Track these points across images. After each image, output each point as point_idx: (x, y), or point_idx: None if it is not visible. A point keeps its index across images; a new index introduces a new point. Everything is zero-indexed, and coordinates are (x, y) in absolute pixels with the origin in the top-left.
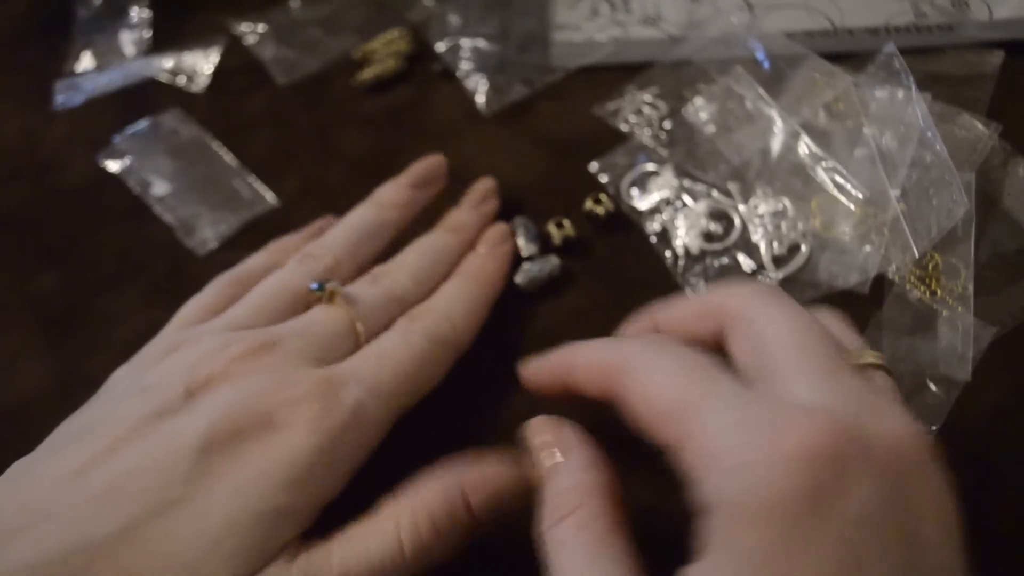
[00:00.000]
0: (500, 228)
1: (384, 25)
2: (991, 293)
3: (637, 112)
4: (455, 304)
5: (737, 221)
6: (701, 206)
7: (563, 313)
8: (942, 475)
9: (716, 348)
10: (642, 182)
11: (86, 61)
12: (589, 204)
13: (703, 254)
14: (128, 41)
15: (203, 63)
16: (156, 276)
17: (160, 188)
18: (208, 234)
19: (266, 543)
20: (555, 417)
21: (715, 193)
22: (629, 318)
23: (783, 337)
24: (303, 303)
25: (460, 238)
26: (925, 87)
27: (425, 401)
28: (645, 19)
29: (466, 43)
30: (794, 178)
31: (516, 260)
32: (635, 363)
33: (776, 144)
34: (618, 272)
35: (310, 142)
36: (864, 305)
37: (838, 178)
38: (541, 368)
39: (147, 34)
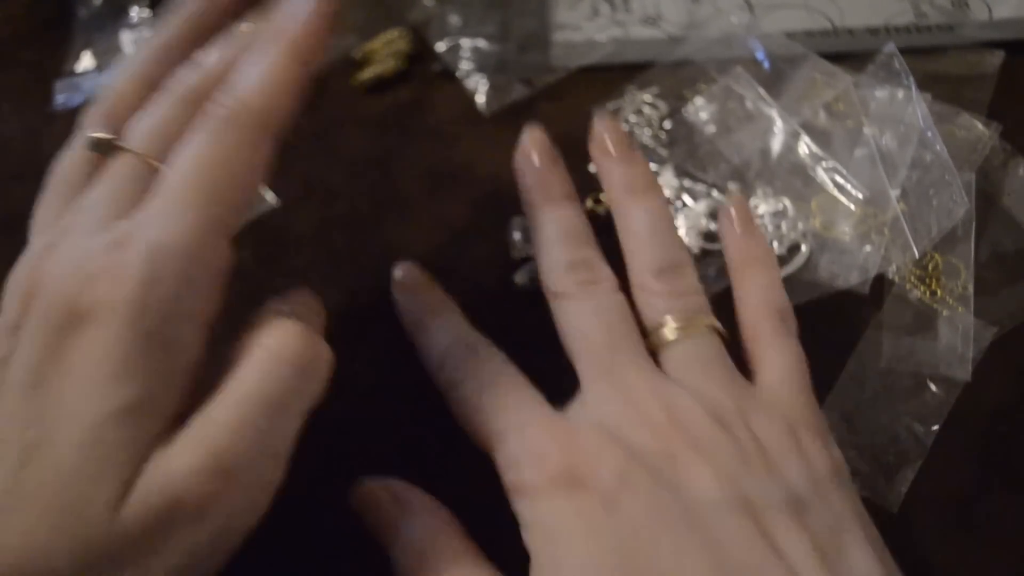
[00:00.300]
0: None
1: (384, 25)
2: (991, 293)
3: (637, 112)
4: (251, 69)
5: None
6: (701, 206)
7: None
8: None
9: None
10: None
11: (86, 61)
12: (590, 203)
13: (703, 253)
14: (128, 41)
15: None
16: None
17: None
18: None
19: (132, 442)
20: (380, 478)
21: (715, 193)
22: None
23: (574, 335)
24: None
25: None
26: (925, 87)
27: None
28: (645, 19)
29: (466, 43)
30: (794, 178)
31: (517, 260)
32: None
33: (776, 144)
34: (619, 271)
35: (310, 142)
36: (864, 305)
37: (838, 178)
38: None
39: (147, 33)
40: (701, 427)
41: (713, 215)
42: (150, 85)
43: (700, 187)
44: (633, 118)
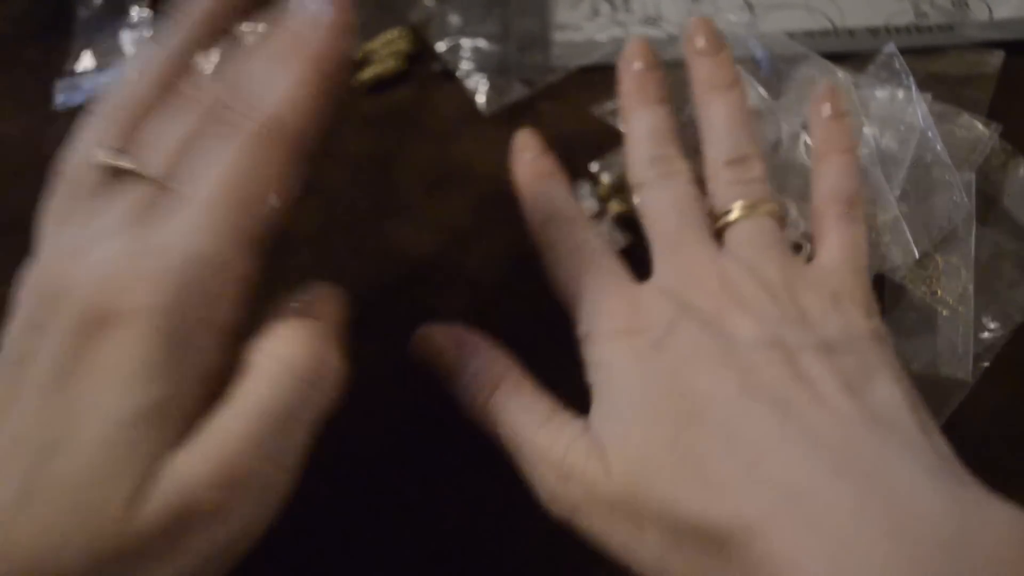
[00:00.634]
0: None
1: (384, 25)
2: (992, 293)
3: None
4: (271, 81)
5: None
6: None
7: None
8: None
9: None
10: None
11: (86, 61)
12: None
13: None
14: (128, 41)
15: (203, 63)
16: None
17: None
18: None
19: (152, 442)
20: (439, 323)
21: None
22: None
23: (651, 217)
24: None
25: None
26: (925, 87)
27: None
28: (645, 19)
29: (466, 43)
30: (795, 178)
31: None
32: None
33: (776, 144)
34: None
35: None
36: None
37: None
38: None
39: (147, 33)
40: (748, 291)
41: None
42: (161, 89)
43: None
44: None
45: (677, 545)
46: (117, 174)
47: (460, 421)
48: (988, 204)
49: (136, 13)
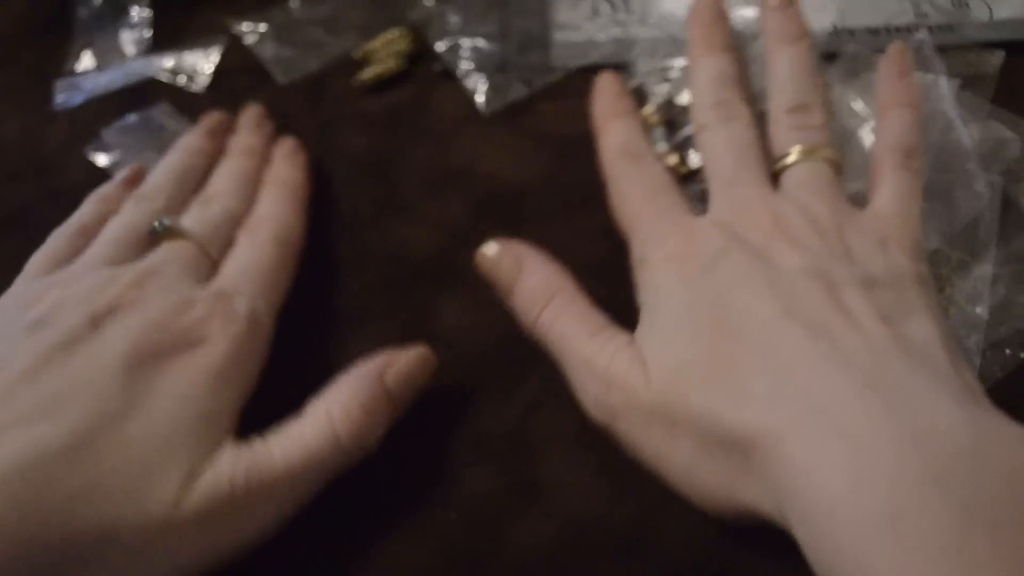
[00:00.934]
0: (288, 141)
1: (384, 25)
2: (1004, 295)
3: (664, 81)
4: (280, 208)
5: None
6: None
7: None
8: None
9: None
10: (690, 143)
11: (86, 61)
12: (674, 161)
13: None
14: (128, 41)
15: (203, 63)
16: None
17: None
18: None
19: (207, 440)
20: (499, 240)
21: None
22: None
23: (710, 158)
24: (147, 242)
25: (256, 158)
26: None
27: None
28: (645, 19)
29: (466, 43)
30: None
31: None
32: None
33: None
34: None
35: (310, 142)
36: None
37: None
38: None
39: (147, 33)
40: (798, 227)
41: None
42: (183, 199)
43: None
44: (664, 86)
45: (706, 452)
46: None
47: (460, 420)
48: (1004, 206)
49: (136, 13)
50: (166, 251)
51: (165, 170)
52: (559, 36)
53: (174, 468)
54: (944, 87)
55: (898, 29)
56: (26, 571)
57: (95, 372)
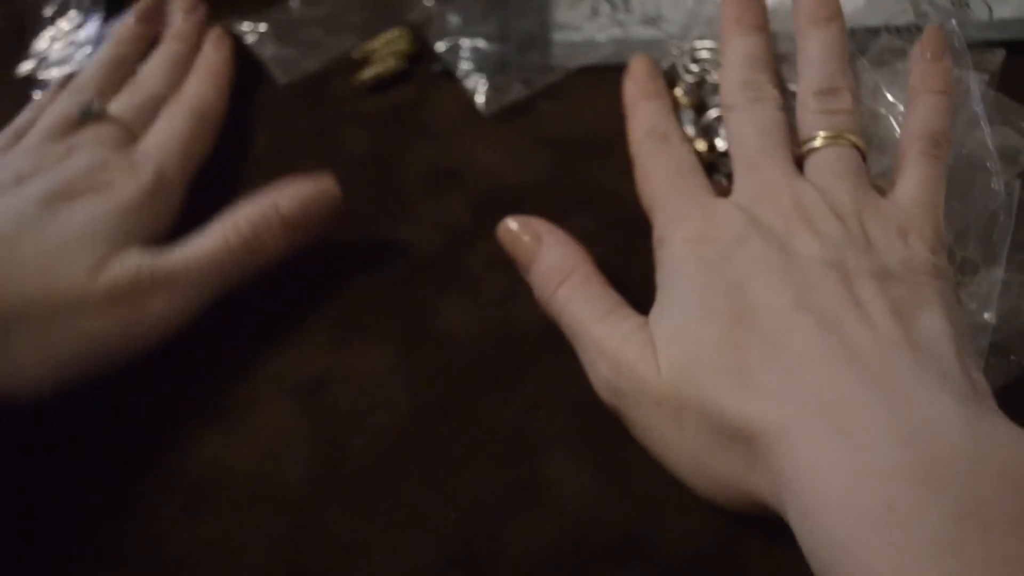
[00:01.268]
0: (216, 30)
1: (384, 25)
2: (1014, 302)
3: (694, 61)
4: (201, 86)
5: None
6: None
7: None
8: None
9: None
10: (718, 124)
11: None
12: (702, 146)
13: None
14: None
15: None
16: None
17: None
18: None
19: (115, 242)
20: (521, 215)
21: None
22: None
23: (735, 139)
24: (77, 128)
25: (186, 43)
26: None
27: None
28: (645, 19)
29: (466, 43)
30: None
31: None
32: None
33: None
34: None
35: (310, 142)
36: None
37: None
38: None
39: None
40: (819, 213)
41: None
42: (123, 70)
43: None
44: (694, 66)
45: (712, 441)
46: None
47: (461, 420)
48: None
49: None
50: (91, 132)
51: (96, 62)
52: (559, 36)
53: (85, 257)
54: (972, 81)
55: (898, 29)
56: None
57: (17, 202)
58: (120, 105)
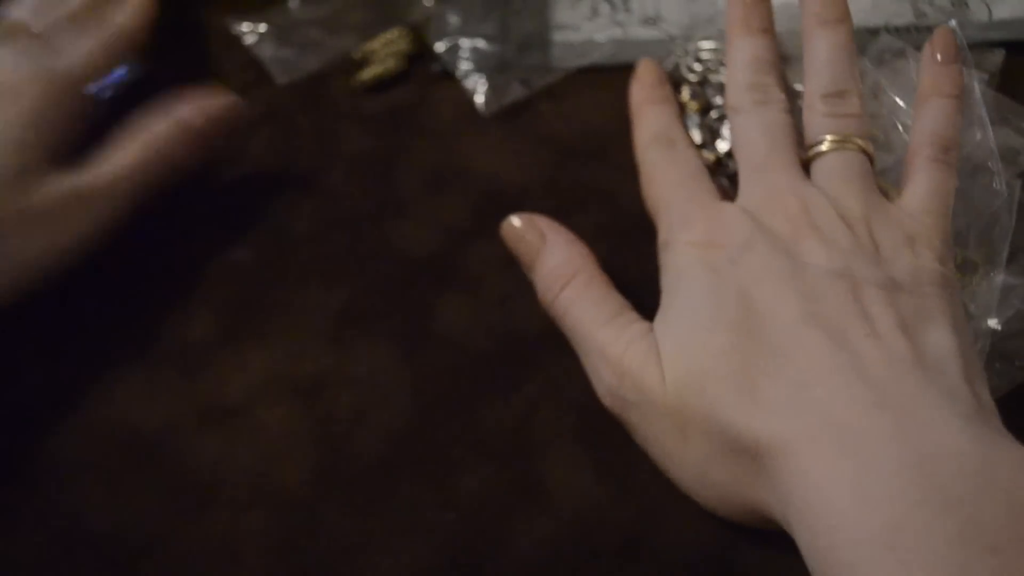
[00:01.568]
0: None
1: (384, 25)
2: (1018, 307)
3: (697, 60)
4: (123, 11)
5: None
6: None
7: None
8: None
9: None
10: (720, 125)
11: None
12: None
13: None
14: None
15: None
16: (156, 276)
17: None
18: None
19: (25, 155)
20: (526, 213)
21: None
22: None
23: (741, 142)
24: None
25: None
26: None
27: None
28: (645, 19)
29: (465, 43)
30: None
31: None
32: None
33: None
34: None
35: (309, 142)
36: None
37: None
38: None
39: None
40: (826, 219)
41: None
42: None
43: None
44: (698, 66)
45: (716, 455)
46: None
47: (461, 420)
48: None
49: None
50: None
51: None
52: (559, 36)
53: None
54: (973, 81)
55: (897, 29)
56: None
57: None
58: (36, 16)
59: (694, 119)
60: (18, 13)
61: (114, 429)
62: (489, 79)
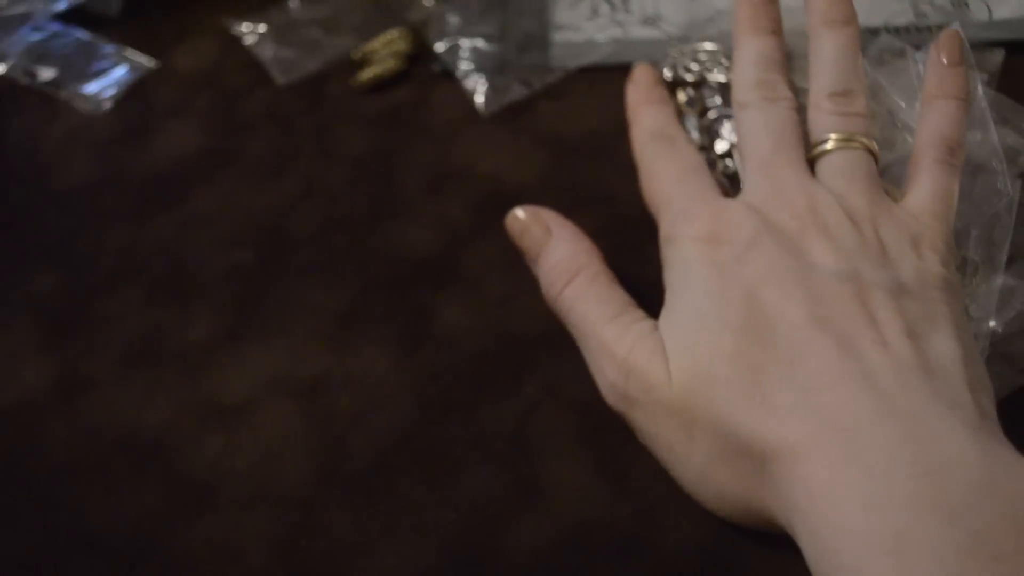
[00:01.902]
0: None
1: (384, 25)
2: (1020, 308)
3: (695, 60)
4: None
5: None
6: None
7: None
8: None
9: None
10: (717, 126)
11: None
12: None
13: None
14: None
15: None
16: (156, 276)
17: None
18: None
19: None
20: (531, 206)
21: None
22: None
23: (747, 138)
24: None
25: None
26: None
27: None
28: (645, 19)
29: (465, 43)
30: None
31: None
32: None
33: None
34: None
35: (310, 142)
36: None
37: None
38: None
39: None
40: (833, 217)
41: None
42: None
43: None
44: (695, 66)
45: (722, 457)
46: None
47: (461, 420)
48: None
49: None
50: None
51: None
52: (558, 36)
53: None
54: (975, 81)
55: (897, 29)
56: None
57: None
58: None
59: (692, 120)
60: None
61: (114, 429)
62: (489, 79)
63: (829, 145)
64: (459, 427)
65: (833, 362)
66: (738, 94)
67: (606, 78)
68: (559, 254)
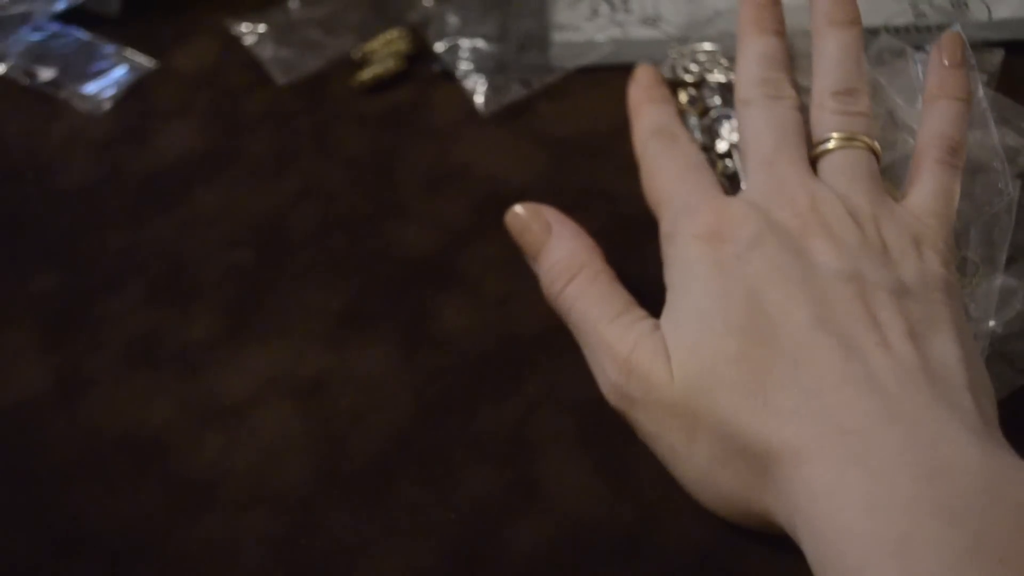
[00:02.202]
0: None
1: (384, 25)
2: (1019, 309)
3: (694, 61)
4: None
5: None
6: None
7: None
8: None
9: None
10: (717, 126)
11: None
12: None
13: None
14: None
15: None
16: (156, 276)
17: None
18: None
19: None
20: (531, 203)
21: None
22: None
23: (750, 136)
24: None
25: None
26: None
27: (425, 395)
28: (645, 19)
29: (465, 43)
30: None
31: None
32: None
33: None
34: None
35: (309, 142)
36: None
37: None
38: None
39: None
40: (836, 216)
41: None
42: None
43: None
44: (695, 67)
45: (724, 457)
46: None
47: (460, 420)
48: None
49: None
50: None
51: None
52: (558, 37)
53: None
54: (976, 81)
55: (897, 29)
56: None
57: None
58: None
59: (693, 120)
60: None
61: (114, 429)
62: (489, 79)
63: (831, 144)
64: (459, 427)
65: (836, 364)
66: (741, 91)
67: (606, 78)
68: (560, 252)
